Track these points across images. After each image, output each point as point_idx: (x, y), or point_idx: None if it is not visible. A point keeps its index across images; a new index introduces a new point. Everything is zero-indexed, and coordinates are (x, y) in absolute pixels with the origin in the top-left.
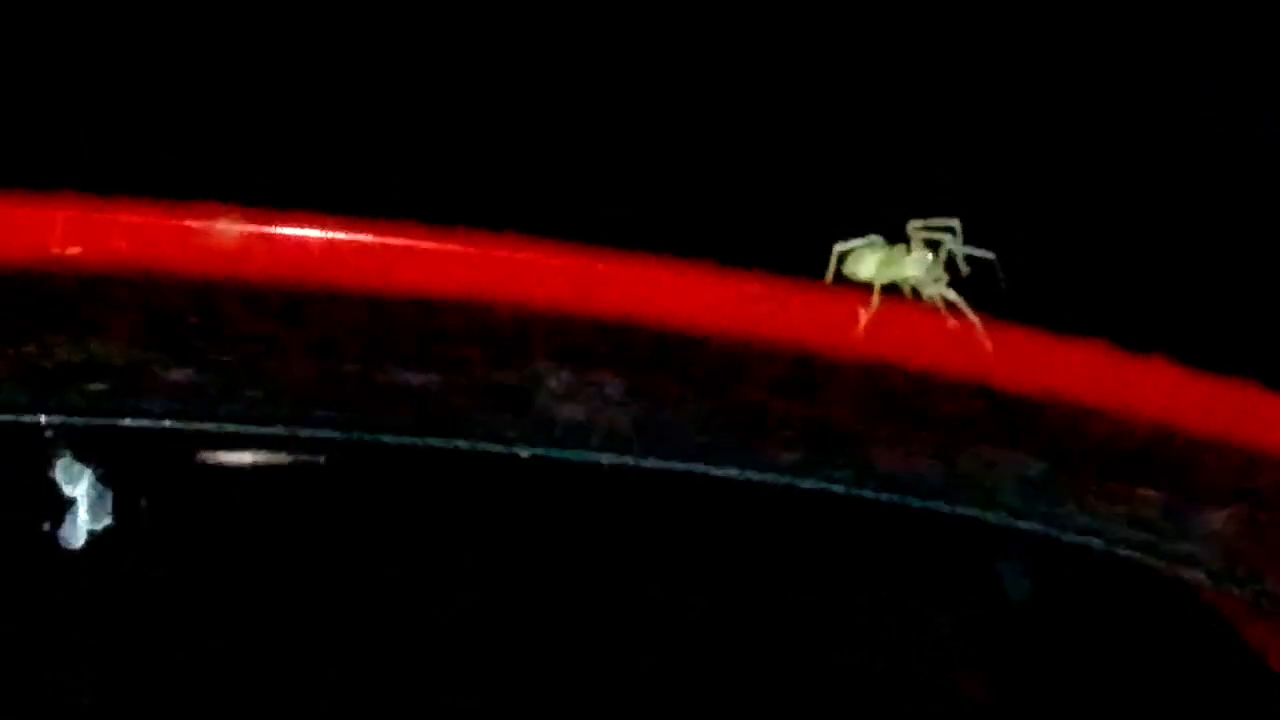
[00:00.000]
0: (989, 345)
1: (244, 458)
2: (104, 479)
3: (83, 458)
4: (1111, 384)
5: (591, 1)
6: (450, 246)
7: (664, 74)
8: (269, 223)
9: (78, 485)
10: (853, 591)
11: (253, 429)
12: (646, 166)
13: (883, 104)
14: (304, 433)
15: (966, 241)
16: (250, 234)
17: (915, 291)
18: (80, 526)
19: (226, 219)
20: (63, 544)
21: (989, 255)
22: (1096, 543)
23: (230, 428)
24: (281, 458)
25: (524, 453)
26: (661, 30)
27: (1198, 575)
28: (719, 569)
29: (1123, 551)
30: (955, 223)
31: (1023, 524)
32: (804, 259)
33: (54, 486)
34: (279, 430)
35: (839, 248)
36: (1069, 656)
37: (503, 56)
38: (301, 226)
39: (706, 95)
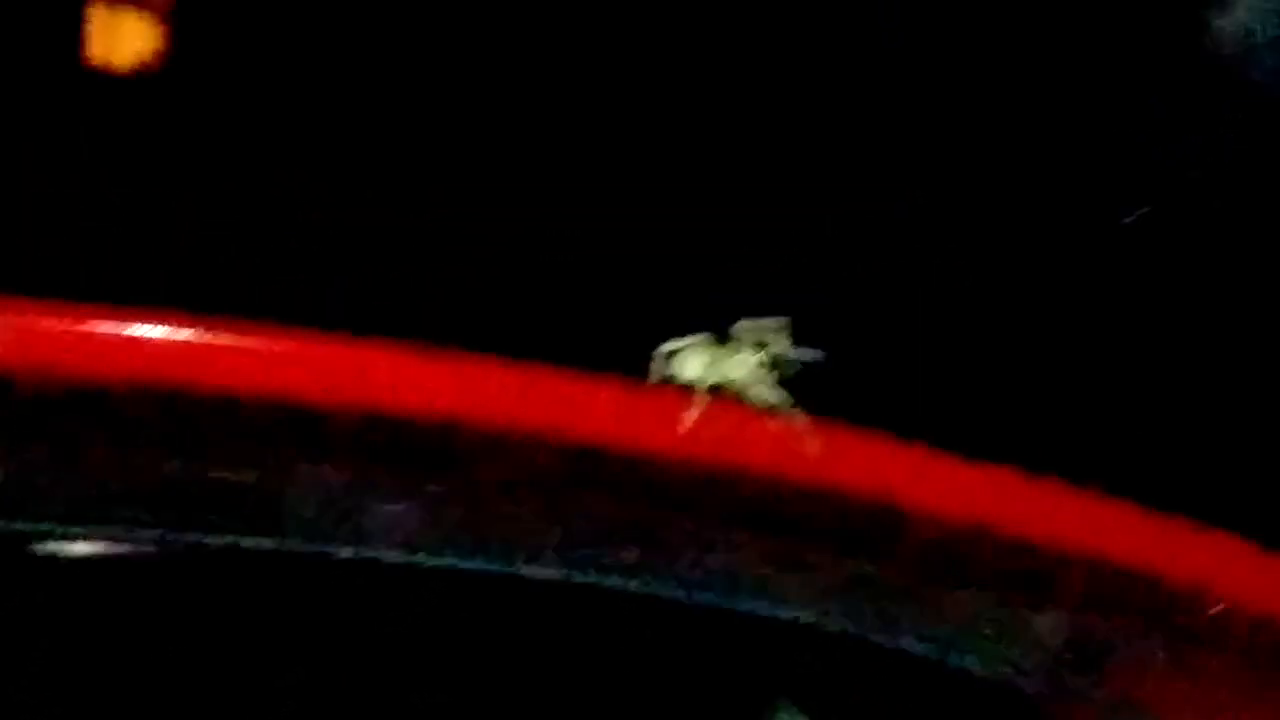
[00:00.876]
0: (814, 447)
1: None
2: None
3: None
4: (933, 484)
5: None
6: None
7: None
8: None
9: None
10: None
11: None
12: (466, 261)
13: (708, 202)
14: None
15: (794, 343)
16: None
17: (742, 393)
18: None
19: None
20: None
21: (816, 357)
22: (919, 647)
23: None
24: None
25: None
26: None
27: (1028, 681)
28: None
29: (941, 656)
30: (784, 323)
31: (850, 627)
32: (629, 358)
33: None
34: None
35: (665, 348)
36: None
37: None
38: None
39: (511, 189)
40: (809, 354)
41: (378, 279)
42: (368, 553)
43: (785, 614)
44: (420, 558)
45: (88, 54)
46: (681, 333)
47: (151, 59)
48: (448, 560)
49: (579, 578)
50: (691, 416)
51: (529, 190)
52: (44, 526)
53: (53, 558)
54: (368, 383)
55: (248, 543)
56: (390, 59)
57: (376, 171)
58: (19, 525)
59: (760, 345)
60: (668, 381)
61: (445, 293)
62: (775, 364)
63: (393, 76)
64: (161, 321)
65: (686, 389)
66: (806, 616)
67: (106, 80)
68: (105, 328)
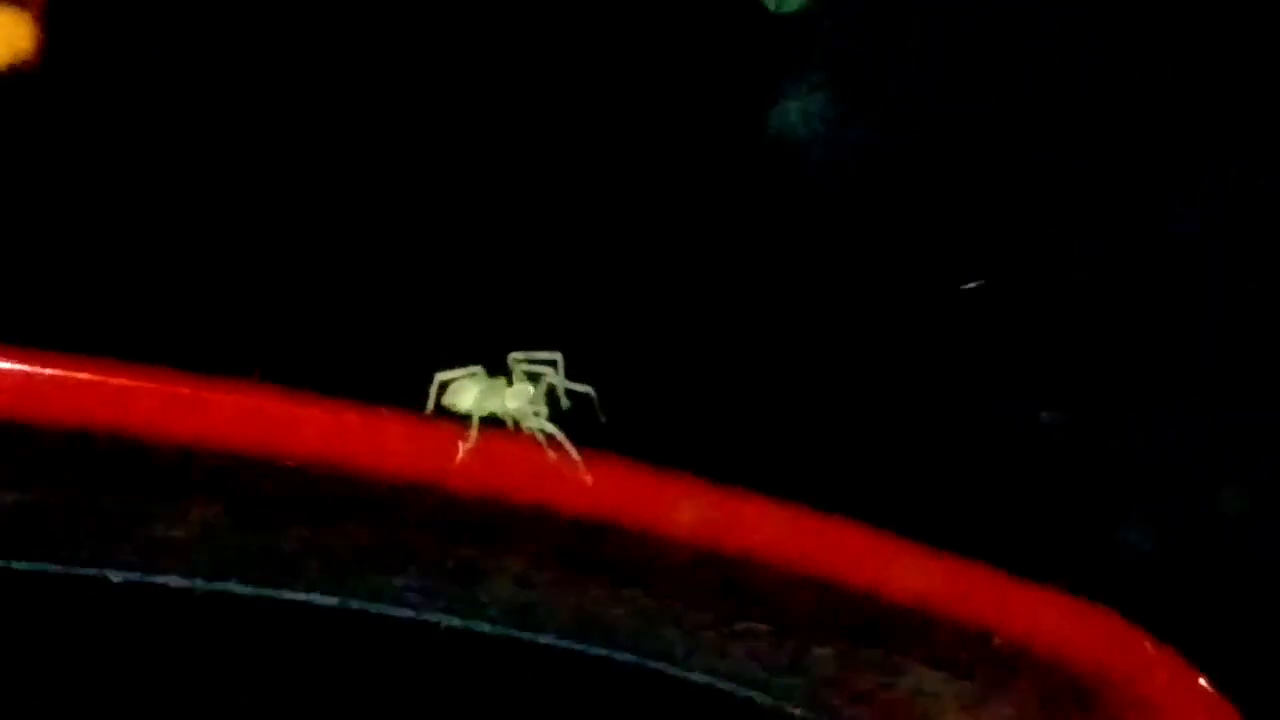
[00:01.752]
0: (588, 478)
1: None
2: None
3: None
4: (705, 515)
5: None
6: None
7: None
8: None
9: None
10: None
11: None
12: (245, 287)
13: (489, 233)
14: None
15: (567, 376)
16: None
17: (516, 424)
18: None
19: None
20: None
21: (588, 390)
22: (701, 677)
23: None
24: None
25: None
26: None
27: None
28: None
29: (728, 687)
30: (557, 356)
31: (647, 661)
32: (404, 388)
33: None
34: None
35: (440, 377)
36: None
37: None
38: None
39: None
40: (581, 387)
41: (142, 297)
42: (150, 577)
43: (562, 643)
44: (197, 583)
45: None
46: (455, 364)
47: (27, 57)
48: (228, 586)
49: (351, 604)
50: (465, 447)
51: (306, 218)
52: None
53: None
54: (138, 410)
55: None
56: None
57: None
58: None
59: (534, 377)
60: (442, 412)
61: (223, 319)
62: (548, 396)
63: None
64: None
65: (461, 419)
66: (586, 646)
67: None
68: None
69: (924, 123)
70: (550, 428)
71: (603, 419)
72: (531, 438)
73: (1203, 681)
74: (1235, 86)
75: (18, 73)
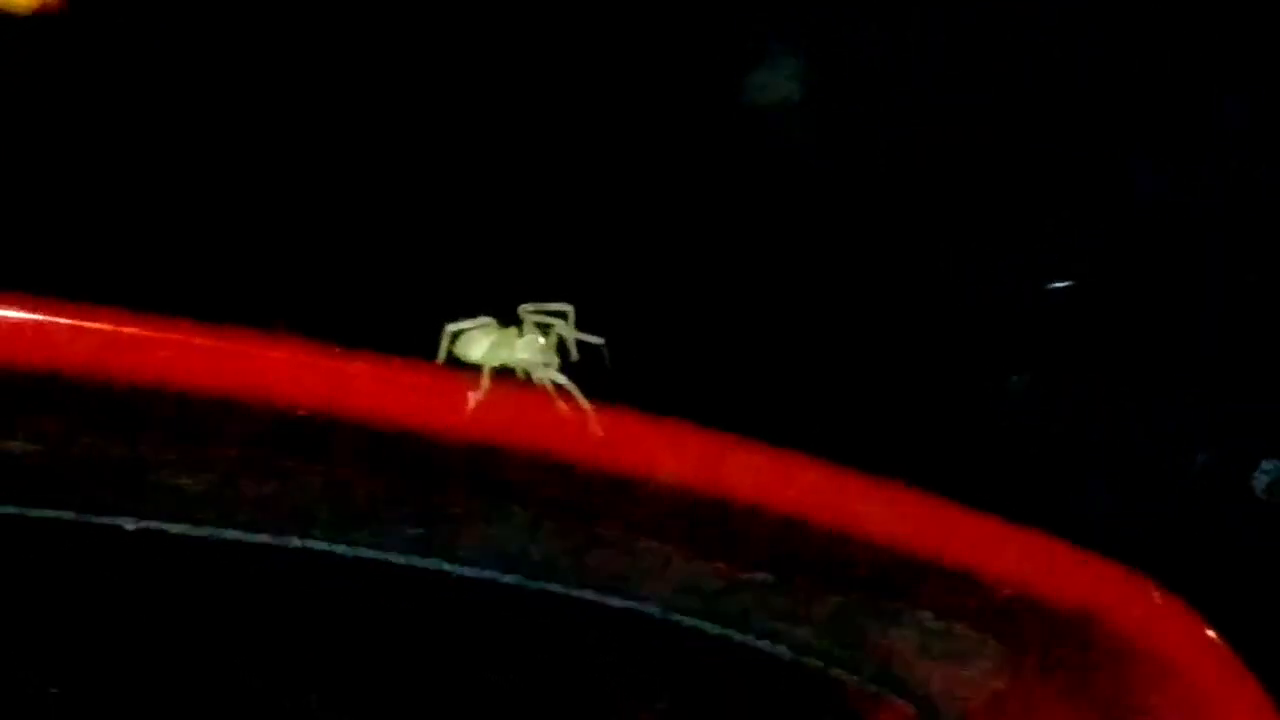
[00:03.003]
0: (597, 428)
1: None
2: None
3: None
4: (715, 466)
5: None
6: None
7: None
8: None
9: None
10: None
11: None
12: (257, 242)
13: (502, 187)
14: None
15: (578, 327)
16: None
17: (527, 375)
18: None
19: None
20: None
21: (599, 341)
22: (709, 626)
23: None
24: None
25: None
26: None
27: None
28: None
29: (735, 636)
30: (568, 308)
31: (673, 616)
32: (416, 339)
33: None
34: None
35: (450, 328)
36: None
37: None
38: None
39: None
40: (592, 338)
41: (161, 248)
42: (162, 525)
43: (579, 594)
44: (208, 531)
45: None
46: (467, 314)
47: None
48: (239, 535)
49: (364, 555)
50: (476, 397)
51: (319, 171)
52: None
53: None
54: (155, 356)
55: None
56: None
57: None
58: None
59: (544, 328)
60: (453, 362)
61: (238, 270)
62: (559, 347)
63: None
64: None
65: (472, 370)
66: (600, 596)
67: (6, 21)
68: None
69: (905, 95)
70: (560, 378)
71: (611, 370)
72: (542, 388)
73: (1211, 632)
74: (1235, 77)
75: (45, 15)
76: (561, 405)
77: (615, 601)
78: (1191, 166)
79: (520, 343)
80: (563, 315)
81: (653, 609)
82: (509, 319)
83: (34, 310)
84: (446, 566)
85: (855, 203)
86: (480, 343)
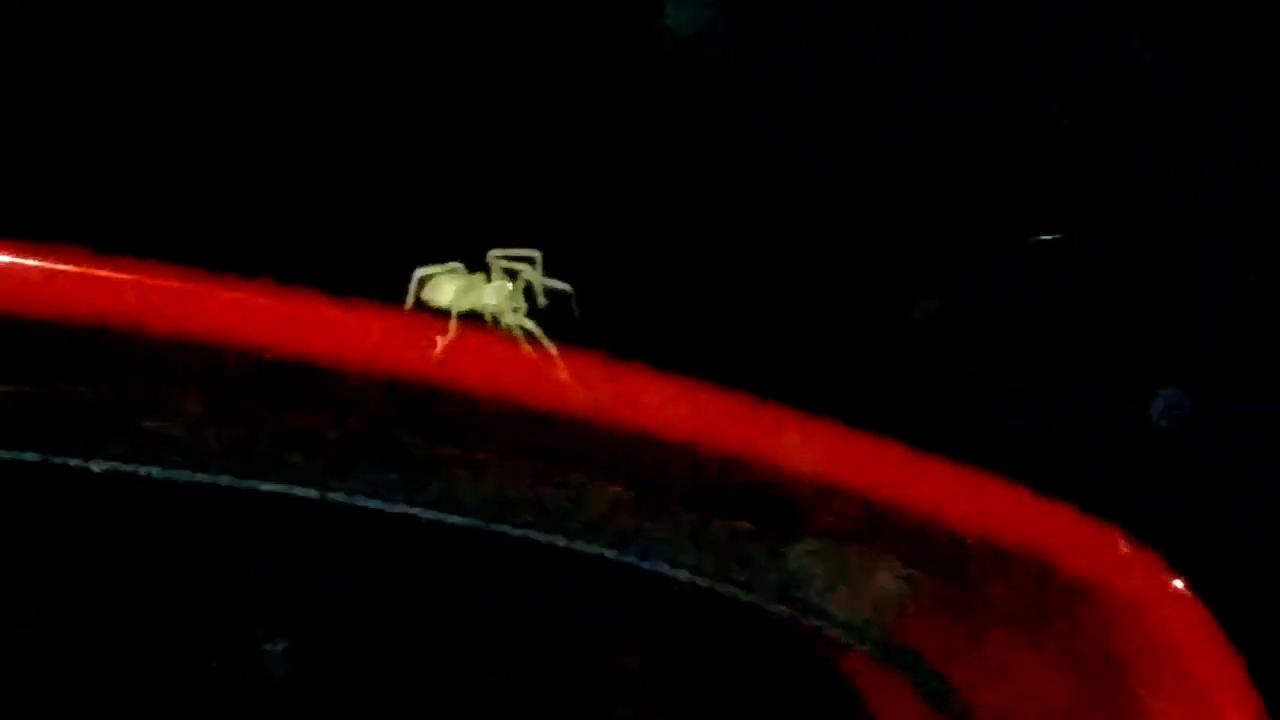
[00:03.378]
0: (565, 374)
1: None
2: None
3: None
4: (680, 411)
5: None
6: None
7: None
8: None
9: None
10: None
11: None
12: (231, 184)
13: (470, 134)
14: None
15: (546, 273)
16: None
17: (494, 320)
18: None
19: None
20: None
21: (566, 288)
22: (684, 575)
23: None
24: None
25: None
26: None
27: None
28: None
29: (711, 584)
30: (535, 254)
31: (625, 556)
32: (385, 284)
33: None
34: None
35: (419, 273)
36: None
37: None
38: None
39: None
40: (559, 284)
41: (124, 190)
42: (132, 468)
43: (545, 539)
44: (178, 475)
45: None
46: (436, 260)
47: None
48: (210, 478)
49: (332, 497)
50: (444, 341)
51: (285, 113)
52: None
53: None
54: (121, 298)
55: None
56: None
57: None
58: None
59: (512, 274)
60: (421, 307)
61: (214, 216)
62: (526, 293)
63: None
64: None
65: (440, 315)
66: (567, 541)
67: None
68: None
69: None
70: (528, 324)
71: (579, 315)
72: (509, 333)
73: (1179, 583)
74: (1235, 76)
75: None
76: (528, 350)
77: (587, 548)
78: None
79: (488, 288)
80: (531, 261)
81: (629, 557)
82: (477, 265)
83: (10, 253)
84: (417, 511)
85: (825, 154)
86: (448, 288)
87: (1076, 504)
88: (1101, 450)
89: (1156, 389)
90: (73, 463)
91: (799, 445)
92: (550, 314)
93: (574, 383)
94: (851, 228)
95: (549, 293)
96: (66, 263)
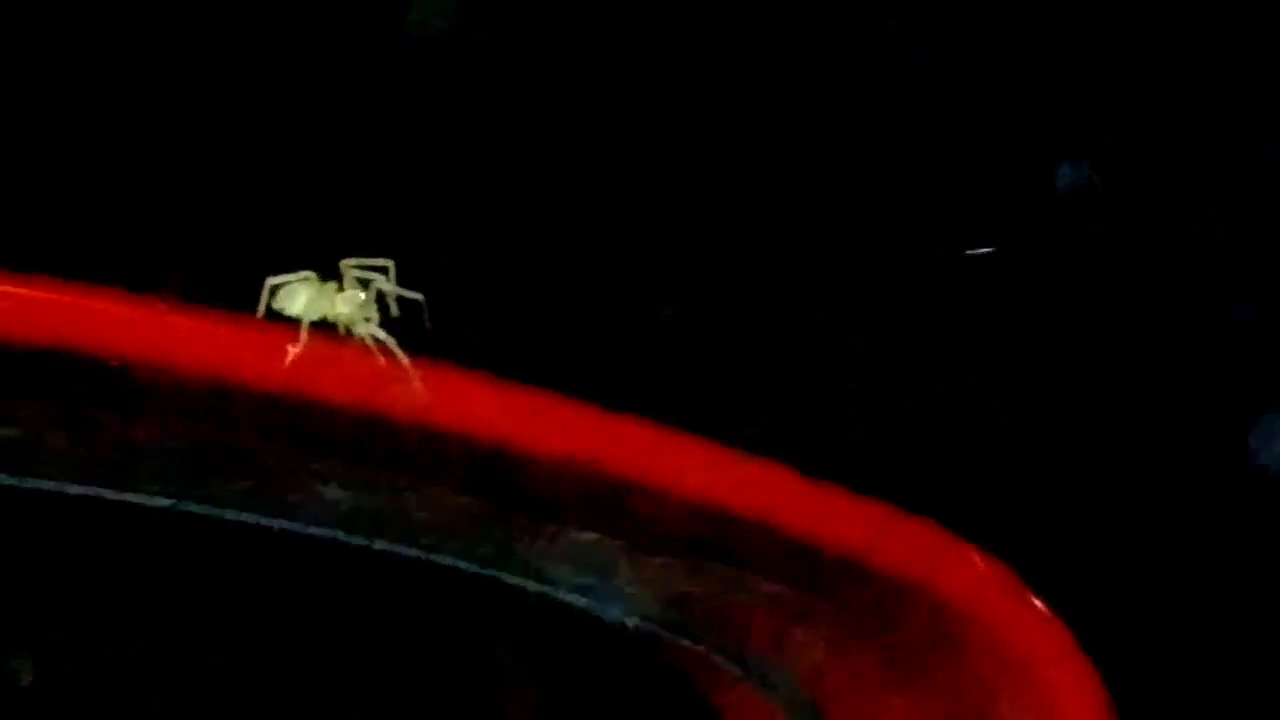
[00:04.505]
0: (418, 383)
1: None
2: None
3: None
4: (535, 423)
5: None
6: None
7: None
8: None
9: None
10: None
11: None
12: (87, 193)
13: (321, 140)
14: None
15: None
16: None
17: (347, 329)
18: None
19: None
20: None
21: (418, 297)
22: (532, 584)
23: None
24: None
25: None
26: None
27: (640, 623)
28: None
29: (561, 595)
30: (389, 263)
31: (462, 564)
32: (236, 293)
33: None
34: None
35: (271, 281)
36: None
37: None
38: None
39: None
40: (411, 294)
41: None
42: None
43: (405, 551)
44: (15, 481)
45: None
46: (287, 268)
47: None
48: (47, 485)
49: (187, 507)
50: (294, 351)
51: (147, 117)
52: None
53: None
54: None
55: None
56: None
57: None
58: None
59: (365, 283)
60: (273, 316)
61: (72, 220)
62: (378, 303)
63: None
64: None
65: (291, 323)
66: (424, 553)
67: None
68: None
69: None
70: (380, 333)
71: (429, 326)
72: (362, 343)
73: (1037, 601)
74: (1234, 64)
75: None
76: (379, 359)
77: (436, 558)
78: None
79: (340, 297)
80: (383, 271)
81: (481, 568)
82: (330, 274)
83: None
84: (274, 522)
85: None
86: (300, 296)
87: (917, 513)
88: (940, 454)
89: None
90: None
91: (641, 450)
92: (401, 324)
93: (425, 391)
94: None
95: (401, 302)
96: None
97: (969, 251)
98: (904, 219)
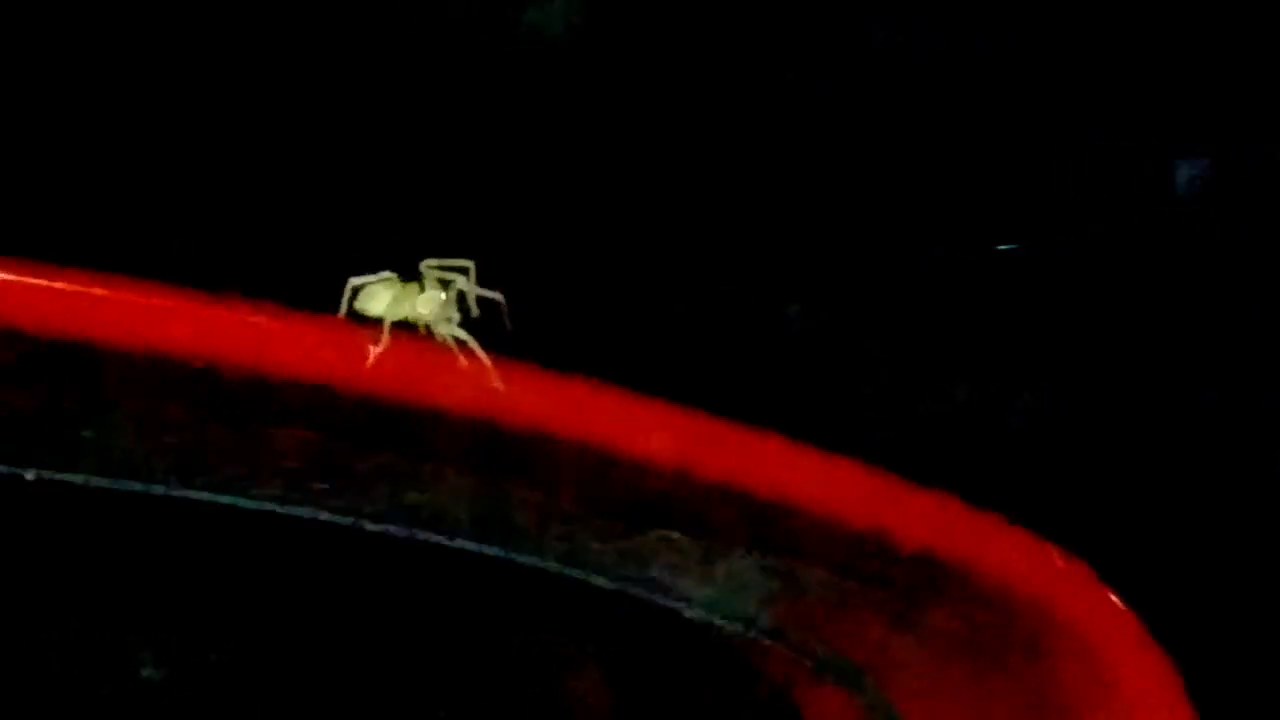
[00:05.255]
0: (499, 383)
1: None
2: None
3: None
4: (623, 424)
5: None
6: None
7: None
8: None
9: None
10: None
11: None
12: (168, 191)
13: (409, 143)
14: None
15: (478, 283)
16: None
17: (428, 329)
18: None
19: None
20: None
21: (498, 297)
22: (601, 581)
23: None
24: None
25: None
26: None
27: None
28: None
29: (638, 592)
30: (469, 263)
31: (549, 564)
32: (319, 293)
33: None
34: None
35: (353, 282)
36: None
37: None
38: None
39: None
40: (491, 293)
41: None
42: (65, 476)
43: (490, 551)
44: (109, 483)
45: None
46: (368, 269)
47: None
48: (137, 486)
49: (266, 507)
50: (376, 351)
51: (221, 119)
52: None
53: None
54: (52, 305)
55: None
56: None
57: None
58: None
59: (445, 284)
60: (355, 317)
61: (151, 225)
62: (460, 302)
63: None
64: None
65: (372, 324)
66: (515, 554)
67: None
68: None
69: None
70: (461, 333)
71: (510, 326)
72: (443, 343)
73: (1114, 597)
74: (1234, 59)
75: None
76: (461, 359)
77: (519, 557)
78: None
79: (421, 298)
80: (464, 271)
81: (559, 566)
82: (411, 274)
83: None
84: (353, 522)
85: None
86: (381, 297)
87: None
88: (989, 449)
89: (1030, 387)
90: (4, 470)
91: (721, 451)
92: (482, 324)
93: (507, 392)
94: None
95: (482, 303)
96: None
97: (999, 247)
98: (932, 221)
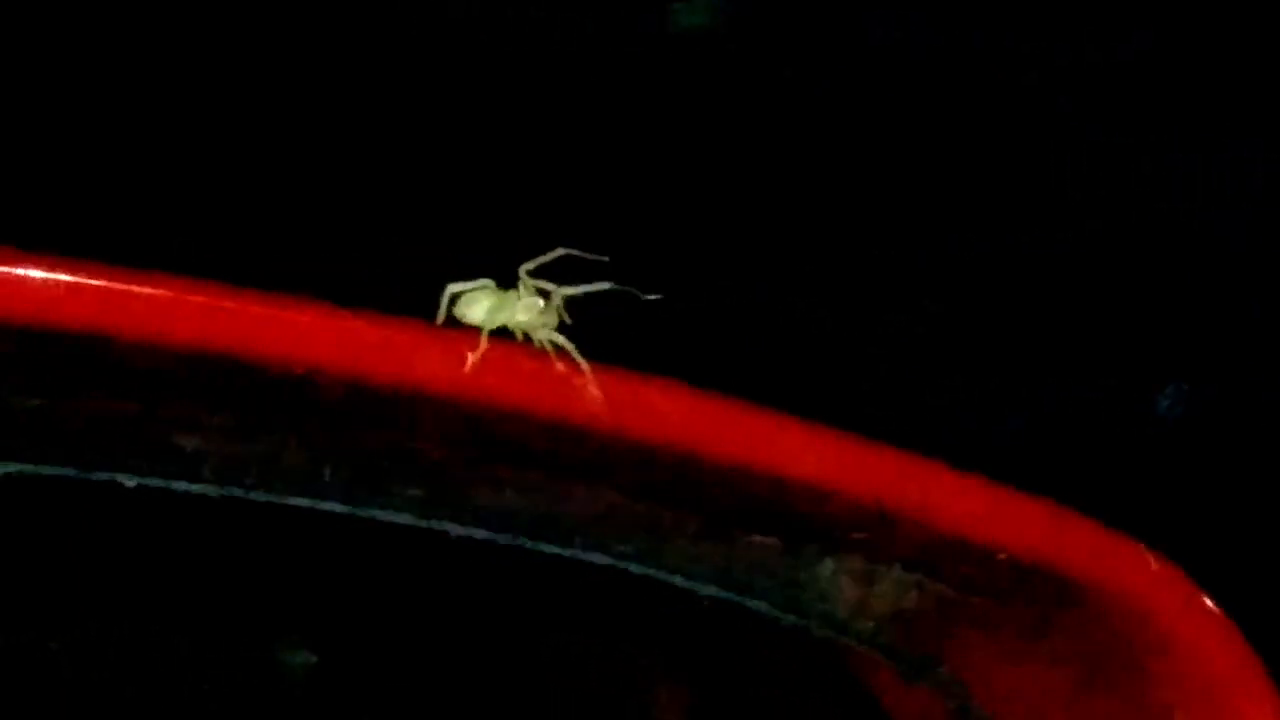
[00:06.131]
0: (596, 390)
1: None
2: None
3: None
4: (723, 431)
5: None
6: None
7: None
8: None
9: None
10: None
11: None
12: (263, 199)
13: (502, 150)
14: None
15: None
16: None
17: (526, 336)
18: None
19: None
20: None
21: (604, 286)
22: (710, 590)
23: None
24: None
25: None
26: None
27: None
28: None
29: (738, 598)
30: (563, 252)
31: (633, 567)
32: (417, 300)
33: None
34: None
35: (451, 289)
36: None
37: None
38: None
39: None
40: (592, 287)
41: (156, 207)
42: (161, 483)
43: (581, 555)
44: (207, 489)
45: None
46: (467, 276)
47: None
48: (236, 492)
49: (361, 513)
50: (474, 357)
51: (323, 128)
52: None
53: None
54: (152, 312)
55: None
56: None
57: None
58: None
59: (544, 290)
60: (453, 323)
61: (236, 229)
62: (559, 309)
63: None
64: None
65: (471, 331)
66: (601, 558)
67: None
68: None
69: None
70: (560, 339)
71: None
72: (541, 349)
73: (1210, 602)
74: (1235, 63)
75: None
76: (559, 366)
77: (618, 563)
78: None
79: (520, 305)
80: (558, 262)
81: (655, 571)
82: (508, 281)
83: (33, 267)
84: (449, 527)
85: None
86: (481, 304)
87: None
88: (1101, 451)
89: (1157, 386)
90: (103, 477)
91: (823, 457)
92: (582, 331)
93: (604, 398)
94: (859, 230)
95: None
96: (96, 277)
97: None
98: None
